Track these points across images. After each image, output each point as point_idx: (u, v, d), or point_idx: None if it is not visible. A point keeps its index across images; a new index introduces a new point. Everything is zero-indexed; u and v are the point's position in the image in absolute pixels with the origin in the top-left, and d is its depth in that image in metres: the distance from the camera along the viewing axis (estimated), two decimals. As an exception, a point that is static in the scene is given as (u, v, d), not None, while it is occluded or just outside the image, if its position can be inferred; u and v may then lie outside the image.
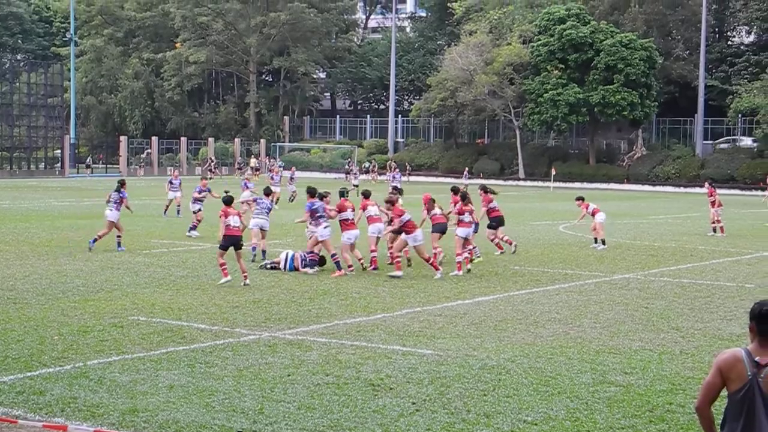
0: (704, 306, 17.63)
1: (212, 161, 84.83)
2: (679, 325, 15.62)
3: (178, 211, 37.21)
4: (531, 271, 22.48)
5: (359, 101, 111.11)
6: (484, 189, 26.30)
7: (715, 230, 33.23)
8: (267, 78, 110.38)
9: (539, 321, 15.71)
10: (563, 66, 78.07)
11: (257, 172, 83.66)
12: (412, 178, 78.58)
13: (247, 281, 19.20)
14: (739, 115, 76.81)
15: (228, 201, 20.10)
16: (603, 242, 27.99)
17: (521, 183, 79.99)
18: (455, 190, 24.23)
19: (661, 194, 69.12)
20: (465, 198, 22.54)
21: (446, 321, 15.53)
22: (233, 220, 19.58)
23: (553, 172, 73.44)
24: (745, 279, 21.63)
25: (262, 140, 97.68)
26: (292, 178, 51.98)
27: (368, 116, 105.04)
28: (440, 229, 23.06)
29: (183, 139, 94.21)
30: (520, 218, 39.41)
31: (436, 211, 23.19)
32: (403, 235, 21.25)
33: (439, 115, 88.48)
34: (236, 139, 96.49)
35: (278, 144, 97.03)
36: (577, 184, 75.52)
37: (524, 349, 13.44)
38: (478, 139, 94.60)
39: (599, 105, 76.06)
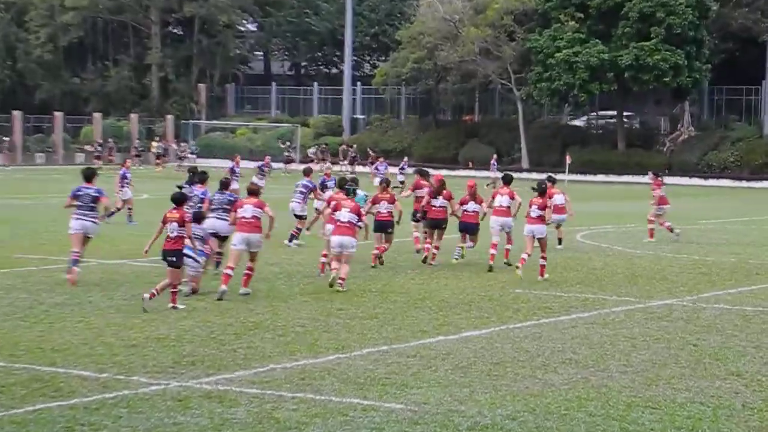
0: (774, 343, 17.79)
1: (101, 143, 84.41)
2: (740, 368, 15.74)
3: (130, 217, 36.61)
4: (538, 294, 22.58)
5: (303, 63, 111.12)
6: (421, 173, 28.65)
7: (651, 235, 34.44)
8: (175, 31, 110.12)
9: (549, 363, 15.79)
10: (582, 15, 78.40)
11: (161, 160, 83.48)
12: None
13: (147, 305, 19.15)
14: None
15: (178, 200, 20.03)
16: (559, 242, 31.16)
17: (524, 175, 80.00)
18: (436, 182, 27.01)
19: (715, 190, 69.55)
20: (541, 189, 24.99)
21: (423, 364, 15.57)
22: (172, 229, 19.61)
23: (568, 161, 73.61)
24: (830, 306, 21.84)
25: (168, 116, 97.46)
26: (262, 169, 52.65)
27: (315, 84, 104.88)
28: (433, 223, 26.08)
29: (58, 115, 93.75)
30: (523, 223, 39.41)
31: (439, 202, 26.06)
32: None
33: (413, 82, 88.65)
34: (132, 115, 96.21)
35: (191, 122, 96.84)
36: (600, 177, 75.94)
37: (529, 402, 13.50)
38: (465, 115, 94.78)
39: (631, 68, 76.40)
